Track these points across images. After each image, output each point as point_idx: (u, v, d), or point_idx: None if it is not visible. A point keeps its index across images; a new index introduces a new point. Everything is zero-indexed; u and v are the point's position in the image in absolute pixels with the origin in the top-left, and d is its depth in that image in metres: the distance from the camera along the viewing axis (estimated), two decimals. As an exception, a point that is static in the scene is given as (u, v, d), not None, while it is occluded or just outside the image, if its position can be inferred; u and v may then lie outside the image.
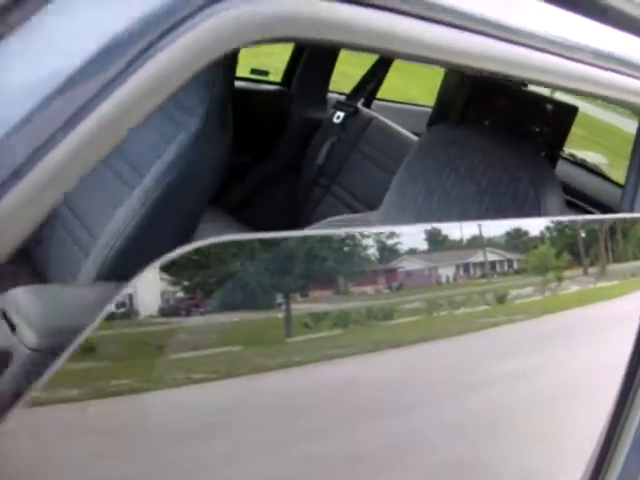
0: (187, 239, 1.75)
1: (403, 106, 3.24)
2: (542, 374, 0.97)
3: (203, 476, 0.65)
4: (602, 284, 1.03)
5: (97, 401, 0.58)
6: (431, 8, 0.57)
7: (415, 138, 2.50)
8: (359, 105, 2.65)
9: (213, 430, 0.64)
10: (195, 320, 0.59)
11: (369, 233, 0.77)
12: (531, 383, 0.96)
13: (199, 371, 0.62)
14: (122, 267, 1.48)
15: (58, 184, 0.39)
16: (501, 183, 1.15)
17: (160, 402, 0.60)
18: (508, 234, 0.91)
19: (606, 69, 0.74)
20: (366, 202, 2.50)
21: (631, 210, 1.04)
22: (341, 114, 2.60)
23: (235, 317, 0.61)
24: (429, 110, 3.12)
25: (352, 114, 2.59)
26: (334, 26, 0.50)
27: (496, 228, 0.89)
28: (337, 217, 1.48)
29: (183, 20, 0.41)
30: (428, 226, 0.83)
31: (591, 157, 3.29)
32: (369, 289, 0.72)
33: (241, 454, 0.65)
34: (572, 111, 2.61)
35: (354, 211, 2.52)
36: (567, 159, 2.94)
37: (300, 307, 0.66)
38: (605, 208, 2.60)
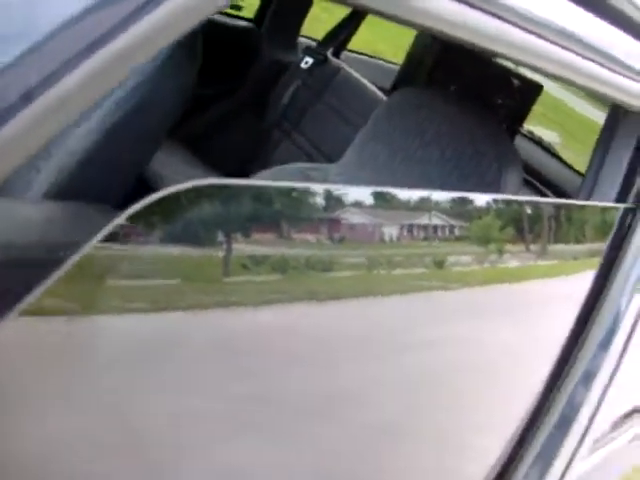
0: (141, 166, 1.74)
1: (371, 60, 3.21)
2: (474, 344, 0.99)
3: (132, 406, 0.65)
4: (543, 262, 1.05)
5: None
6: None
7: (380, 94, 2.50)
8: (329, 54, 2.63)
9: (147, 360, 0.64)
10: (138, 250, 0.61)
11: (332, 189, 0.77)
12: (462, 351, 0.98)
13: (138, 300, 0.62)
14: (73, 188, 1.46)
15: (64, 113, 0.39)
16: (465, 153, 1.16)
17: (99, 327, 0.60)
18: (454, 200, 0.92)
19: (585, 58, 0.75)
20: (324, 152, 2.50)
21: (588, 198, 1.06)
22: (310, 60, 2.57)
23: (176, 251, 0.60)
24: (396, 67, 3.11)
25: (321, 62, 2.56)
26: None
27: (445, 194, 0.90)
28: (296, 164, 1.48)
29: None
30: (380, 189, 0.83)
31: (546, 135, 3.33)
32: (311, 237, 0.72)
33: (171, 387, 0.66)
34: (537, 89, 2.63)
35: (311, 159, 2.51)
36: (525, 135, 2.98)
37: (240, 247, 0.66)
38: (555, 188, 2.65)
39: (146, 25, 0.39)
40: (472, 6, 0.62)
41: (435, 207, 0.88)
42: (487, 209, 0.95)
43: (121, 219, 0.56)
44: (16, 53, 0.36)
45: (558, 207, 1.05)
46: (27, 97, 0.36)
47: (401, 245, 0.84)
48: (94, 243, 0.55)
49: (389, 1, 0.59)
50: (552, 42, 0.71)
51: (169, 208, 0.61)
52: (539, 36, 0.69)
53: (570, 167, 2.96)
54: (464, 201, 0.92)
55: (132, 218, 0.58)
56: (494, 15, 0.63)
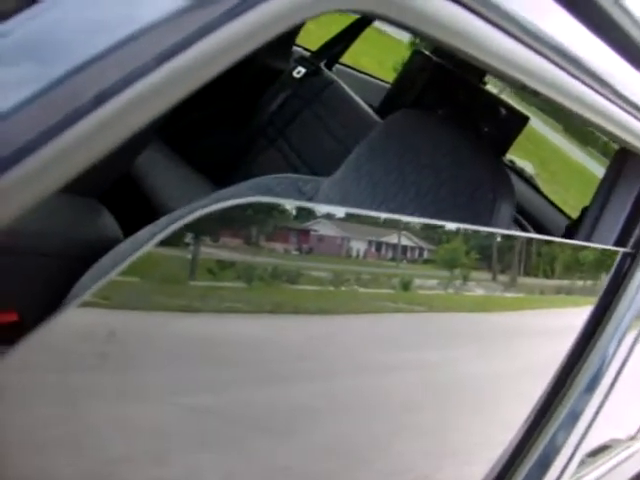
0: (128, 165, 1.72)
1: (362, 76, 3.22)
2: (432, 371, 0.98)
3: (90, 406, 0.64)
4: (509, 294, 1.04)
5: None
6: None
7: (369, 110, 2.51)
8: (322, 65, 2.63)
9: (106, 361, 0.62)
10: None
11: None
12: (420, 377, 0.97)
13: (104, 297, 0.60)
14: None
15: (138, 115, 0.38)
16: (461, 179, 1.16)
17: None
18: (425, 223, 0.92)
19: (601, 95, 0.75)
20: (308, 163, 2.50)
21: (588, 238, 1.07)
22: (302, 70, 2.57)
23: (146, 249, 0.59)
24: (385, 85, 3.13)
25: (313, 73, 2.56)
26: (414, 13, 0.50)
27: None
28: (288, 175, 1.47)
29: None
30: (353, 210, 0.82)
31: (522, 164, 3.37)
32: (279, 246, 0.71)
33: (128, 392, 0.65)
34: (523, 120, 2.67)
35: (294, 169, 2.51)
36: (506, 165, 3.01)
37: (209, 251, 0.64)
38: (532, 219, 2.67)
39: (231, 30, 0.38)
40: (498, 28, 0.61)
41: (405, 227, 0.88)
42: (455, 232, 0.94)
43: (178, 225, 0.57)
44: (93, 52, 0.35)
45: (557, 245, 1.05)
46: (100, 99, 0.35)
47: (368, 263, 0.83)
48: (154, 243, 0.55)
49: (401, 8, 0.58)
50: (573, 75, 0.71)
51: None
52: (561, 67, 0.69)
53: (549, 201, 3.00)
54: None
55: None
56: (512, 36, 0.63)
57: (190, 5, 0.37)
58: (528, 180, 3.09)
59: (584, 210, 2.21)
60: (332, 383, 0.85)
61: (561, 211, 2.93)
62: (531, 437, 1.13)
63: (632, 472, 1.73)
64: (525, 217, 2.60)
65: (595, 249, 1.08)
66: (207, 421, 0.73)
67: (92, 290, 0.54)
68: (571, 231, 2.25)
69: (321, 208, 0.76)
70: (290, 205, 0.71)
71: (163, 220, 1.39)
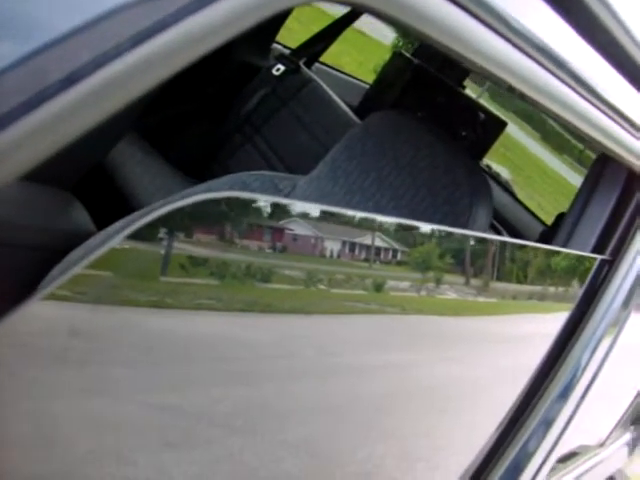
0: (100, 156, 1.70)
1: (341, 75, 3.21)
2: (403, 373, 0.98)
3: (52, 402, 0.62)
4: (482, 299, 1.04)
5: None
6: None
7: (347, 110, 2.50)
8: (301, 63, 2.61)
9: (75, 357, 0.61)
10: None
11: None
12: (392, 381, 0.96)
13: (70, 290, 0.58)
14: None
15: (109, 101, 0.36)
16: (439, 182, 1.15)
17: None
18: (400, 224, 0.91)
19: (588, 101, 0.74)
20: (284, 161, 2.49)
21: (566, 244, 1.07)
22: (282, 67, 2.55)
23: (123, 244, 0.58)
24: (364, 85, 3.12)
25: (293, 71, 2.55)
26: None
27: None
28: (264, 172, 1.46)
29: None
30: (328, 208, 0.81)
31: (497, 169, 3.39)
32: (253, 244, 0.70)
33: (90, 388, 0.63)
34: (501, 125, 2.68)
35: (271, 166, 2.50)
36: (483, 170, 3.01)
37: (181, 247, 0.63)
38: (507, 225, 2.68)
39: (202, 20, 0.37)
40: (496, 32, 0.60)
41: (379, 228, 0.87)
42: (430, 235, 0.94)
43: (147, 219, 0.55)
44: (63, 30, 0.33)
45: (532, 250, 1.05)
46: (72, 79, 0.33)
47: (342, 263, 0.82)
48: (121, 237, 0.54)
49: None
50: (559, 78, 0.70)
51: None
52: (554, 74, 0.69)
53: (524, 206, 3.01)
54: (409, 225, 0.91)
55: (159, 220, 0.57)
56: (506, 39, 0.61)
57: None
58: (504, 185, 3.10)
59: (559, 216, 2.23)
60: (302, 383, 0.84)
61: (536, 217, 2.94)
62: (503, 443, 1.13)
63: (600, 479, 1.74)
64: (500, 222, 2.60)
65: (571, 255, 1.07)
66: (173, 419, 0.72)
67: (57, 283, 0.53)
68: (545, 237, 2.26)
69: (297, 205, 0.75)
70: (265, 201, 0.70)
71: (136, 214, 1.37)
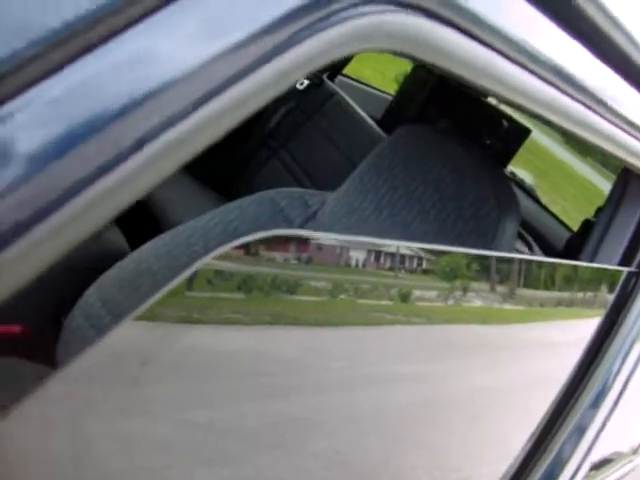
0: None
1: (364, 87, 3.24)
2: (433, 384, 0.98)
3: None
4: (509, 306, 1.04)
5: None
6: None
7: (371, 122, 2.52)
8: (324, 77, 2.64)
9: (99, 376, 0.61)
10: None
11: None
12: (422, 391, 0.97)
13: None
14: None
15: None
16: (467, 196, 1.17)
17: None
18: (427, 249, 0.90)
19: (603, 117, 0.76)
20: (310, 174, 2.51)
21: (593, 257, 1.07)
22: (305, 81, 2.58)
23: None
24: (386, 96, 3.14)
25: (316, 84, 2.58)
26: (450, 56, 0.51)
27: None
28: (294, 189, 1.48)
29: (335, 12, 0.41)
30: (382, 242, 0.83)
31: (521, 174, 3.38)
32: (278, 256, 0.70)
33: (125, 409, 0.64)
34: (525, 132, 2.68)
35: (297, 181, 2.52)
36: (507, 176, 3.02)
37: (210, 262, 0.62)
38: (534, 231, 2.68)
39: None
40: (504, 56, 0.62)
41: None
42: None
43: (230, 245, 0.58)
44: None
45: (562, 266, 1.06)
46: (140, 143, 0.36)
47: (367, 272, 0.82)
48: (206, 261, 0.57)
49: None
50: (572, 97, 0.72)
51: None
52: (564, 92, 0.70)
53: (550, 212, 3.01)
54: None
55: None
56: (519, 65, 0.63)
57: (220, 53, 0.38)
58: (528, 192, 3.11)
59: (585, 222, 2.23)
60: (332, 395, 0.84)
61: (562, 223, 2.94)
62: (537, 451, 1.14)
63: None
64: (526, 229, 2.61)
65: (599, 269, 1.08)
66: (204, 436, 0.73)
67: (146, 305, 0.55)
68: (572, 243, 2.27)
69: (332, 237, 0.76)
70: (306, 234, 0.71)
71: (168, 234, 1.40)
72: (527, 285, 1.05)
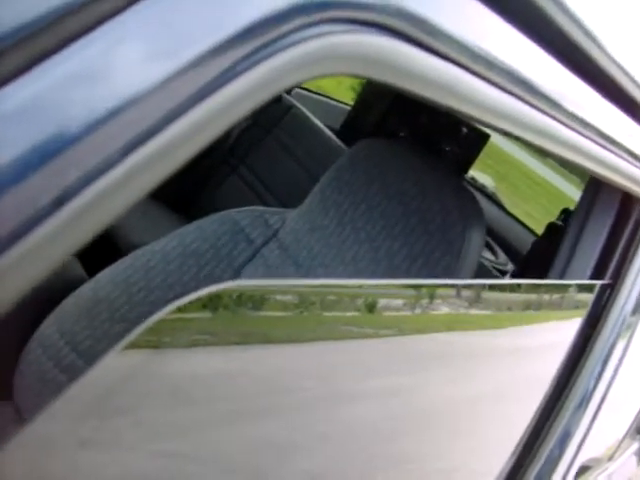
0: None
1: (321, 98, 3.22)
2: (406, 397, 0.96)
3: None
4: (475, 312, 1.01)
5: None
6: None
7: (330, 134, 2.50)
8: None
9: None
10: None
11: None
12: (395, 405, 0.95)
13: None
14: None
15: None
16: (431, 209, 1.15)
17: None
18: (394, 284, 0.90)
19: (567, 126, 0.74)
20: (272, 190, 2.48)
21: (563, 272, 1.06)
22: (263, 96, 2.55)
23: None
24: (343, 107, 3.12)
25: (274, 99, 2.55)
26: (415, 78, 0.48)
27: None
28: (252, 207, 1.44)
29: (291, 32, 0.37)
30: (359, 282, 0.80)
31: (481, 178, 3.39)
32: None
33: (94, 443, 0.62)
34: (484, 137, 2.68)
35: (259, 197, 2.49)
36: (468, 182, 3.02)
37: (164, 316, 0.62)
38: (498, 237, 2.68)
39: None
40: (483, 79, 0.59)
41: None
42: None
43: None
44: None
45: (532, 287, 1.04)
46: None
47: (331, 285, 0.81)
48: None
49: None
50: (532, 106, 0.69)
51: None
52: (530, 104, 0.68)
53: (513, 216, 3.02)
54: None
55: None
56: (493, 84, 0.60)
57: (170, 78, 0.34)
58: (490, 197, 3.11)
59: (549, 226, 2.23)
60: (304, 414, 0.81)
61: (526, 227, 2.95)
62: (524, 460, 1.12)
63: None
64: (490, 235, 2.61)
65: (570, 285, 1.06)
66: (178, 466, 0.70)
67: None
68: (537, 247, 2.27)
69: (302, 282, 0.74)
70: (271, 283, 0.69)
71: (126, 259, 1.36)
72: (493, 288, 1.04)
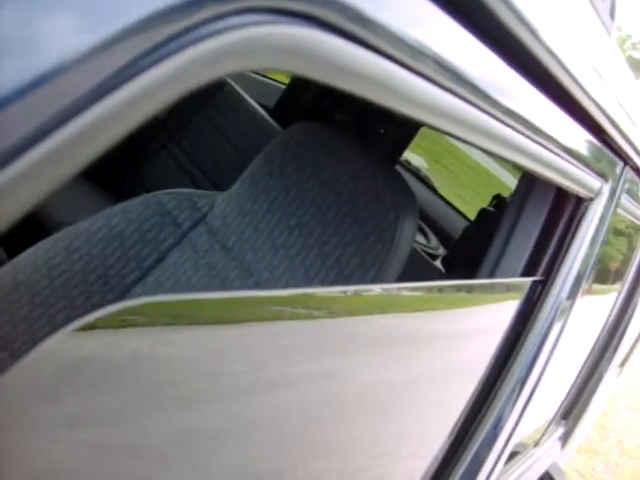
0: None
1: (255, 76, 3.16)
2: (338, 382, 0.95)
3: None
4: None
5: None
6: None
7: (264, 114, 2.45)
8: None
9: None
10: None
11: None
12: (326, 389, 0.93)
13: None
14: None
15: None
16: (362, 196, 1.12)
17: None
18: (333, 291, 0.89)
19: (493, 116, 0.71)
20: (203, 170, 2.42)
21: (494, 269, 1.05)
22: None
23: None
24: (278, 85, 3.06)
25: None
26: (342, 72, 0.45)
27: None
28: (178, 190, 1.39)
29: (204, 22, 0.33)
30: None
31: (414, 160, 3.39)
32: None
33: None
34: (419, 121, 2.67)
35: (189, 176, 2.43)
36: (402, 164, 3.02)
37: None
38: (430, 221, 2.69)
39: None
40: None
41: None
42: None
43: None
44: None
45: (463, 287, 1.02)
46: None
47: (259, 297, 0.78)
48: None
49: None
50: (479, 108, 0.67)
51: None
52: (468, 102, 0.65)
53: (445, 201, 3.03)
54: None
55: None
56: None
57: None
58: (423, 180, 3.11)
59: (481, 212, 2.24)
60: (237, 400, 0.78)
61: (459, 212, 2.96)
62: (459, 446, 1.12)
63: (537, 475, 1.76)
64: (422, 218, 2.61)
65: (501, 283, 1.06)
66: (102, 456, 0.67)
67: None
68: (469, 233, 2.27)
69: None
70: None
71: (48, 241, 1.30)
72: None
